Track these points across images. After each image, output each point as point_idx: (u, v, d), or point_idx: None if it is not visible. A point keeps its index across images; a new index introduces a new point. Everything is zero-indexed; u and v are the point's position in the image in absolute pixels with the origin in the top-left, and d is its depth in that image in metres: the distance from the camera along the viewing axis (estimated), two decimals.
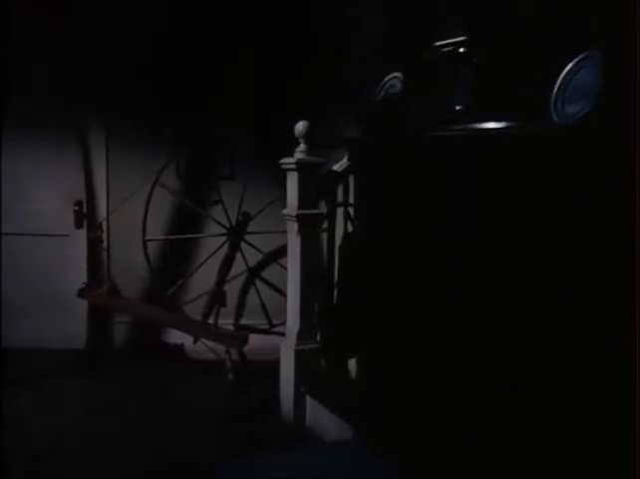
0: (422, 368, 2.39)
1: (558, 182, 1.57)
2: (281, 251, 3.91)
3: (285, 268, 3.59)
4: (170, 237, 4.00)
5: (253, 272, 3.97)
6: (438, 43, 1.85)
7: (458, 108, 1.68)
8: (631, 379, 1.57)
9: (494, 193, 1.68)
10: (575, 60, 1.52)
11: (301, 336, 3.17)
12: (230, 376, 3.57)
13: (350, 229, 2.82)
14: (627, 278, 1.58)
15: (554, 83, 1.49)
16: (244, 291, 4.05)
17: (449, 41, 1.80)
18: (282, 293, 3.88)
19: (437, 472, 2.17)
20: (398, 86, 2.04)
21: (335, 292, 3.33)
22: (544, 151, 1.53)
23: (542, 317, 1.80)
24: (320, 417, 3.04)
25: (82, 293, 3.86)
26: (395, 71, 2.07)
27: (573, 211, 1.62)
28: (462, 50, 1.72)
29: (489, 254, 1.85)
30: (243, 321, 4.06)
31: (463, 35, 1.81)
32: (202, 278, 3.87)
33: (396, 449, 2.44)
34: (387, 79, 2.09)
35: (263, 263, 4.01)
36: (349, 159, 2.77)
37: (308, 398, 3.14)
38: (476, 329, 2.05)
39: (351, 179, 2.83)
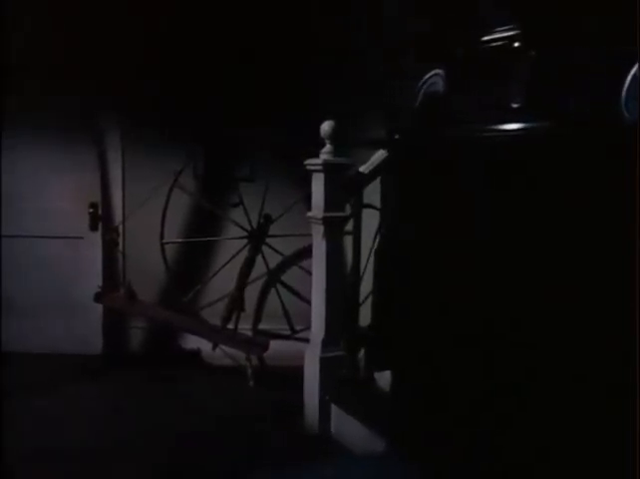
0: (454, 377, 2.31)
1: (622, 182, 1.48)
2: (302, 254, 3.83)
3: (307, 272, 3.50)
4: (190, 239, 3.92)
5: (274, 276, 3.88)
6: (485, 38, 1.76)
7: (514, 106, 1.59)
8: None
9: (551, 195, 1.59)
10: None
11: (326, 343, 3.07)
12: (252, 383, 3.48)
13: (387, 231, 2.73)
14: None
15: (624, 78, 1.40)
16: (264, 295, 3.96)
17: (499, 36, 1.71)
18: (302, 298, 3.80)
19: None
20: (439, 83, 1.94)
21: (360, 297, 3.26)
22: (610, 151, 1.43)
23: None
24: (346, 426, 2.95)
25: (98, 298, 3.78)
26: (435, 68, 1.98)
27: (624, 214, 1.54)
28: (516, 45, 1.63)
29: (530, 258, 1.76)
30: (262, 326, 3.97)
31: (510, 29, 1.73)
32: (221, 282, 3.78)
33: (423, 458, 2.37)
34: (427, 76, 2.00)
35: (284, 267, 3.92)
36: (387, 159, 2.67)
37: (333, 406, 3.04)
38: (510, 337, 1.98)
39: (384, 180, 2.74)
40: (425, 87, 1.99)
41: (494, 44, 1.72)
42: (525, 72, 1.61)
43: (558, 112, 1.53)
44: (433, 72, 1.97)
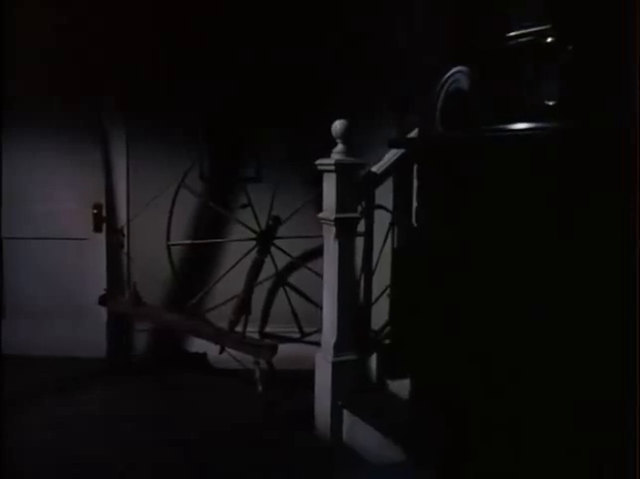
0: (476, 385, 2.24)
1: None
2: (310, 256, 3.76)
3: (316, 274, 3.43)
4: (197, 241, 3.84)
5: (282, 278, 3.81)
6: (513, 33, 1.69)
7: (548, 104, 1.52)
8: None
9: (587, 197, 1.51)
10: None
11: (338, 347, 3.00)
12: (260, 388, 3.40)
13: (403, 233, 2.66)
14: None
15: None
16: (271, 297, 3.89)
17: (529, 30, 1.63)
18: (311, 301, 3.73)
19: None
20: (463, 81, 1.87)
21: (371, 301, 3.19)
22: None
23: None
24: (359, 433, 2.88)
25: (103, 300, 3.71)
26: (458, 64, 1.90)
27: None
28: (549, 40, 1.55)
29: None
30: (269, 329, 3.90)
31: (541, 23, 1.65)
32: (228, 284, 3.71)
33: (439, 467, 2.30)
34: (449, 74, 1.92)
35: (292, 269, 3.84)
36: (404, 159, 2.60)
37: (346, 413, 2.97)
38: (534, 341, 1.92)
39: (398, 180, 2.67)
40: (447, 85, 1.92)
41: (524, 39, 1.65)
42: (561, 69, 1.54)
43: (596, 112, 1.46)
44: (456, 69, 1.90)
